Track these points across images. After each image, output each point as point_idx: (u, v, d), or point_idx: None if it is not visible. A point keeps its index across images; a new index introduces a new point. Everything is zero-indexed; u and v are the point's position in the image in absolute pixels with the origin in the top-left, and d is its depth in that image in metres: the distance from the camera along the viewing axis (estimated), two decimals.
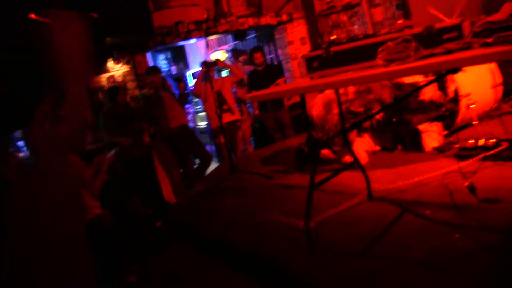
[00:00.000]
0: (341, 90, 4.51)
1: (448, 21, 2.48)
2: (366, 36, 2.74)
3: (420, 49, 2.41)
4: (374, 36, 2.70)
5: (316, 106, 4.74)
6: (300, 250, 2.85)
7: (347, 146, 3.27)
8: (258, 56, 6.45)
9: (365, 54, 2.66)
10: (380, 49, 2.49)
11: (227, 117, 5.97)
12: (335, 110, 4.33)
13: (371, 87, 4.48)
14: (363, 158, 4.20)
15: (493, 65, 4.61)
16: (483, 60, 2.17)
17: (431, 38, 2.44)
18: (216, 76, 6.94)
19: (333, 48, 2.79)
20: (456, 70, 2.24)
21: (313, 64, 2.87)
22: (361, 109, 4.40)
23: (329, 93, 4.57)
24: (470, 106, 4.16)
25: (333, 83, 2.72)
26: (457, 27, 2.35)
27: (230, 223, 3.73)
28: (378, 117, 4.43)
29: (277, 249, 2.96)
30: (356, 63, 2.70)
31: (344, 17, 7.74)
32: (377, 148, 4.60)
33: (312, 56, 2.86)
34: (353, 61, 2.71)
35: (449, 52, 2.32)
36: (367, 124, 4.41)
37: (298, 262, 2.74)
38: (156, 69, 6.14)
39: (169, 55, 10.40)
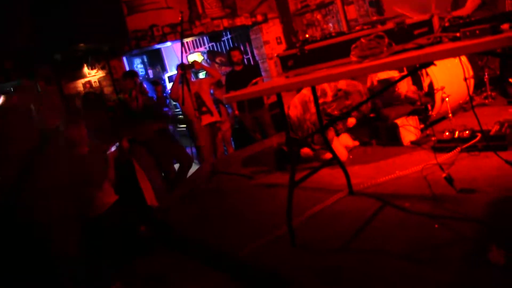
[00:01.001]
0: (319, 92, 4.55)
1: (418, 17, 2.52)
2: (339, 34, 2.77)
3: (392, 44, 2.45)
4: (347, 33, 2.73)
5: (293, 105, 4.76)
6: (282, 249, 2.87)
7: (326, 143, 3.30)
8: (235, 54, 6.46)
9: (339, 51, 2.68)
10: (353, 45, 2.52)
11: (206, 119, 5.96)
12: (313, 110, 4.36)
13: (350, 93, 4.53)
14: (343, 155, 4.24)
15: (464, 59, 4.70)
16: (453, 54, 2.22)
17: (402, 34, 2.48)
18: (193, 79, 6.92)
19: (307, 47, 2.81)
20: (428, 64, 2.28)
21: (288, 63, 2.89)
22: (336, 113, 4.44)
23: (306, 92, 4.60)
24: (445, 99, 4.23)
25: (307, 81, 2.74)
26: (427, 23, 2.39)
27: (213, 225, 3.74)
28: (355, 113, 4.48)
29: (259, 249, 2.98)
30: (330, 60, 2.72)
31: (318, 16, 7.79)
32: (356, 143, 4.65)
33: (287, 55, 2.88)
34: (327, 59, 2.73)
35: (420, 47, 2.36)
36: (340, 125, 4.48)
37: (280, 261, 2.76)
38: (132, 73, 6.09)
39: (146, 59, 10.32)
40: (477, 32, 2.03)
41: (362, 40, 2.51)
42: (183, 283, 3.08)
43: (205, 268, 3.16)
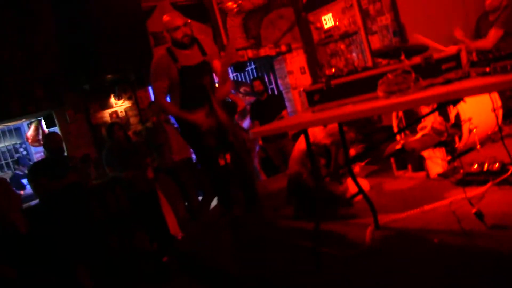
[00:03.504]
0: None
1: (446, 51, 2.51)
2: (365, 69, 2.78)
3: (419, 80, 2.44)
4: (373, 68, 2.74)
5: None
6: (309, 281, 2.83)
7: (352, 176, 3.27)
8: (256, 84, 6.56)
9: (365, 86, 2.69)
10: (380, 81, 2.52)
11: None
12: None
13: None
14: (365, 186, 4.18)
15: None
16: (483, 90, 2.19)
17: (430, 69, 2.47)
18: None
19: (333, 81, 2.83)
20: (458, 100, 2.26)
21: (314, 97, 2.90)
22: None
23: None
24: (472, 131, 4.17)
25: (334, 117, 2.74)
26: (455, 57, 2.38)
27: (236, 256, 3.70)
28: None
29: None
30: (356, 95, 2.73)
31: (342, 46, 7.84)
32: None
33: (313, 89, 2.90)
34: (354, 94, 2.74)
35: (448, 81, 2.35)
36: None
37: None
38: None
39: None
40: (509, 67, 2.02)
41: (389, 75, 2.51)
42: None
43: None
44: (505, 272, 2.38)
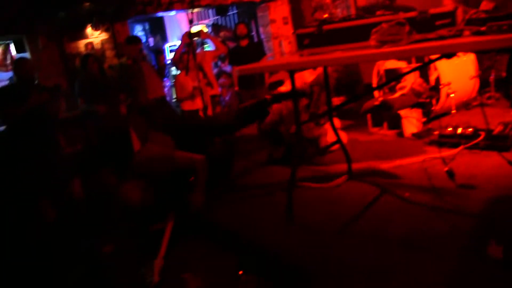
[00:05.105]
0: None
1: (443, 7, 2.49)
2: (360, 17, 2.74)
3: (413, 33, 2.43)
4: (368, 17, 2.70)
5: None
6: (280, 228, 2.88)
7: (333, 126, 3.30)
8: (240, 27, 6.40)
9: (357, 34, 2.66)
10: (374, 30, 2.49)
11: (207, 92, 5.91)
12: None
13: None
14: (343, 138, 4.24)
15: (472, 57, 4.71)
16: (479, 47, 2.20)
17: (424, 23, 2.46)
18: (197, 50, 6.84)
19: (326, 27, 2.78)
20: (451, 55, 2.26)
21: (304, 41, 2.85)
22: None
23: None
24: (450, 95, 4.24)
25: (324, 61, 2.72)
26: (451, 14, 2.37)
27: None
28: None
29: (256, 226, 2.99)
30: (347, 42, 2.69)
31: (327, 0, 7.70)
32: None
33: (304, 33, 2.84)
34: (345, 41, 2.70)
35: (441, 38, 2.35)
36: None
37: (277, 239, 2.77)
38: (136, 39, 5.97)
39: (147, 26, 10.14)
40: (504, 27, 2.02)
41: (384, 25, 2.48)
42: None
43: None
44: (468, 228, 2.49)
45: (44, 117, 5.03)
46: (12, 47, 6.63)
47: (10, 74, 6.49)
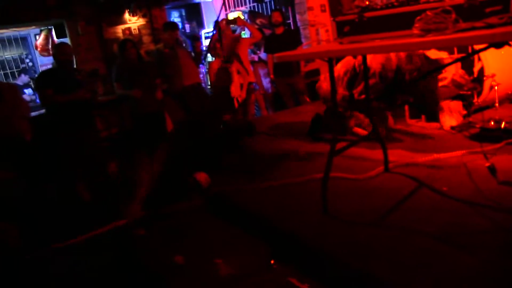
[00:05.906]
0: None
1: None
2: (403, 4, 2.64)
3: (459, 21, 2.33)
4: (412, 4, 2.60)
5: (325, 78, 4.70)
6: (315, 218, 2.85)
7: (370, 117, 3.22)
8: (276, 15, 6.35)
9: (400, 22, 2.56)
10: (418, 18, 2.40)
11: (241, 78, 5.90)
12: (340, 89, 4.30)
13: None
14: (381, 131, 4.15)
15: None
16: None
17: (472, 11, 2.35)
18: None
19: (367, 14, 2.70)
20: (502, 44, 2.15)
21: (344, 29, 2.79)
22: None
23: (339, 67, 4.48)
24: (494, 88, 4.08)
25: (364, 49, 2.64)
26: (503, 0, 2.25)
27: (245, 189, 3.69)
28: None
29: (291, 216, 2.96)
30: (389, 30, 2.61)
31: None
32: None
33: (344, 20, 2.77)
34: (387, 29, 2.62)
35: (490, 26, 2.24)
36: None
37: (311, 229, 2.74)
38: (174, 26, 6.01)
39: (184, 13, 10.18)
40: None
41: (428, 12, 2.39)
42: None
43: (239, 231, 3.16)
44: (510, 226, 2.39)
45: (86, 110, 5.15)
46: (53, 32, 6.79)
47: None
